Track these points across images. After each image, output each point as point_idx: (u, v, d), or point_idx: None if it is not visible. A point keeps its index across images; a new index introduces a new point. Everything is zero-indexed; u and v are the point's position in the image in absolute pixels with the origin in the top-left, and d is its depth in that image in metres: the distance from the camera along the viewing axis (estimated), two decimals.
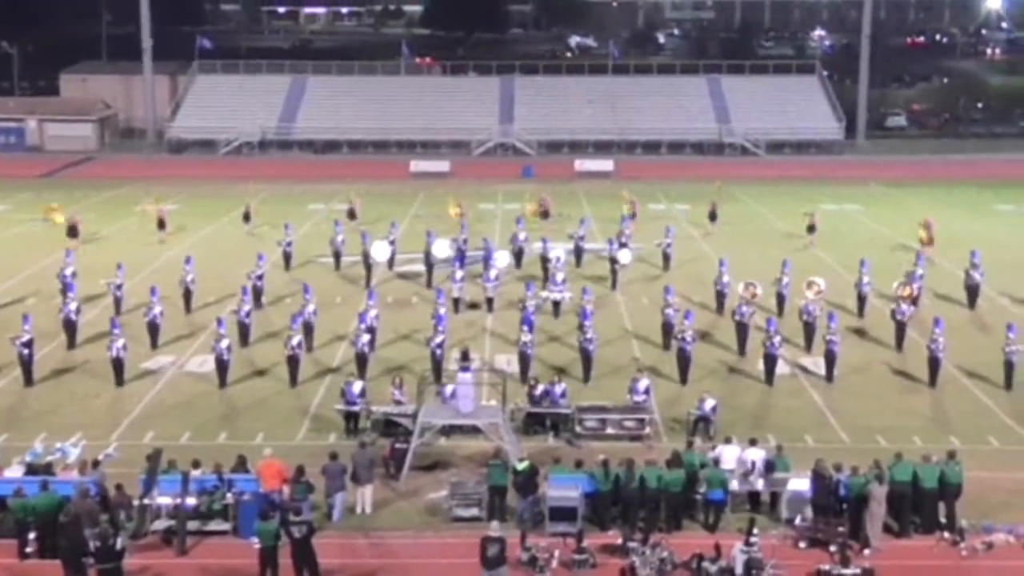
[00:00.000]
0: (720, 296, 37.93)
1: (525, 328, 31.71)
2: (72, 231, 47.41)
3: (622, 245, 43.15)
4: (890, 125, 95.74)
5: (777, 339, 31.45)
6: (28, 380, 30.82)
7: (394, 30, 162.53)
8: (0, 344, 32.58)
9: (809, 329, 33.96)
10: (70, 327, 34.08)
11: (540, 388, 28.09)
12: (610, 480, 22.63)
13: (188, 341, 34.76)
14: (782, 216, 55.24)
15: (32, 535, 21.36)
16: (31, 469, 23.75)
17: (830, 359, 31.51)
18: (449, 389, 26.32)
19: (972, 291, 39.14)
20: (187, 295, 37.87)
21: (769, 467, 23.39)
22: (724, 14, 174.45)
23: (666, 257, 44.46)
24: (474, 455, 25.36)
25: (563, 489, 22.56)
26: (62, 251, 42.37)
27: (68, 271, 38.36)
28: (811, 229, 49.21)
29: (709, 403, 27.39)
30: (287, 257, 44.31)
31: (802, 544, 21.82)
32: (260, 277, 38.76)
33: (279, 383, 30.91)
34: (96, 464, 23.77)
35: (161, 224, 50.10)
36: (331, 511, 22.73)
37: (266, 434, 27.19)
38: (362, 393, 27.81)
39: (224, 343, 30.86)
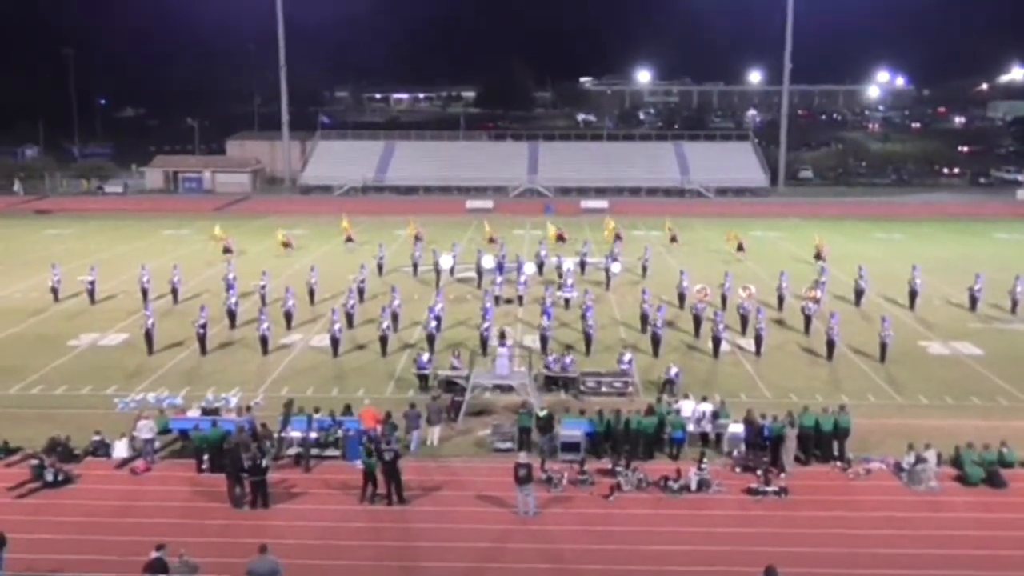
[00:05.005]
0: (681, 296, 37.69)
1: (545, 317, 31.70)
2: (227, 250, 47.61)
3: (613, 260, 43.01)
4: (801, 176, 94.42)
5: (721, 326, 31.29)
6: (203, 351, 31.02)
7: (455, 109, 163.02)
8: (184, 326, 32.96)
9: (744, 319, 33.71)
10: (231, 315, 34.27)
11: (554, 358, 28.06)
12: (604, 423, 22.57)
13: (311, 325, 34.86)
14: (727, 241, 54.54)
15: (206, 457, 21.56)
16: (205, 411, 24.04)
17: (758, 340, 31.29)
18: (491, 359, 26.32)
19: (859, 294, 38.72)
20: (311, 293, 37.97)
21: (715, 415, 23.32)
22: (685, 99, 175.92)
23: (644, 268, 44.15)
24: (509, 405, 25.32)
25: (571, 429, 22.53)
26: (226, 262, 42.66)
27: (230, 276, 38.58)
28: (740, 248, 48.76)
29: (673, 370, 27.23)
30: (380, 267, 44.31)
31: (737, 469, 21.71)
32: (362, 281, 38.79)
33: (374, 354, 30.94)
34: (249, 409, 24.05)
35: (287, 244, 50.21)
36: (410, 443, 22.72)
37: (365, 389, 27.25)
38: (430, 361, 27.81)
39: (337, 326, 30.98)
